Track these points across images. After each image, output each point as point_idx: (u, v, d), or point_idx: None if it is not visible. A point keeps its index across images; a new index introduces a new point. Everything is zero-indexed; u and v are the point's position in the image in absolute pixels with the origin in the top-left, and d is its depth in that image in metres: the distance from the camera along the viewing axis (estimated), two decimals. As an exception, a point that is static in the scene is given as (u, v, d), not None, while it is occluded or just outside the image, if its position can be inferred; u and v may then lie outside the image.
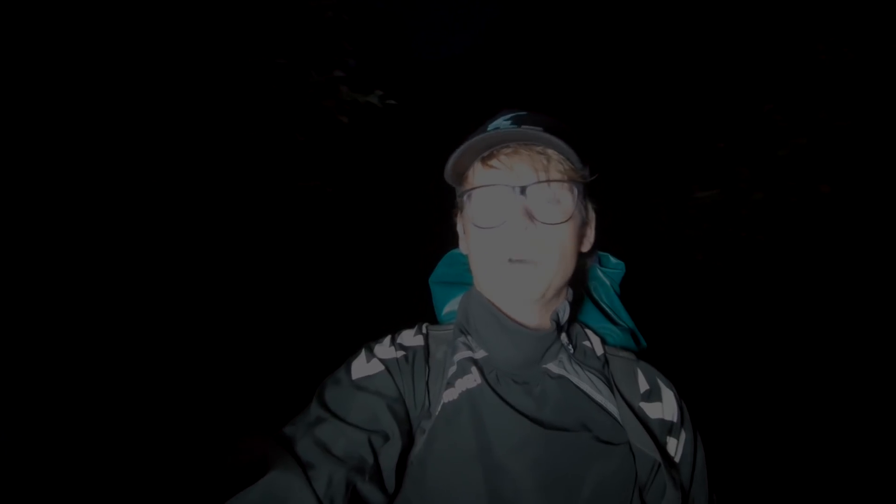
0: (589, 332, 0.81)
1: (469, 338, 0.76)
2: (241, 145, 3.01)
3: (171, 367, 2.91)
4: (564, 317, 0.74)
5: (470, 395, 0.70)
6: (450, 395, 0.70)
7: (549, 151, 0.70)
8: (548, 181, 0.69)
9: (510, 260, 0.69)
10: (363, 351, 0.76)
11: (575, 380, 0.73)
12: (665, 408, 0.76)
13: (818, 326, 4.38)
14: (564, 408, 0.70)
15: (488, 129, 0.72)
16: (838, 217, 4.57)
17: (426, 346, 0.77)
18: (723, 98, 5.13)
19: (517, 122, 0.71)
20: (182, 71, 2.81)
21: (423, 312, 0.92)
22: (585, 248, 0.75)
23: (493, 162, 0.71)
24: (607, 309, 0.87)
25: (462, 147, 0.70)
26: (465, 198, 0.74)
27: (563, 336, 0.75)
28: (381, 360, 0.73)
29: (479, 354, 0.74)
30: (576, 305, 0.81)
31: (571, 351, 0.76)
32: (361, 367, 0.73)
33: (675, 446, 0.74)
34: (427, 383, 0.72)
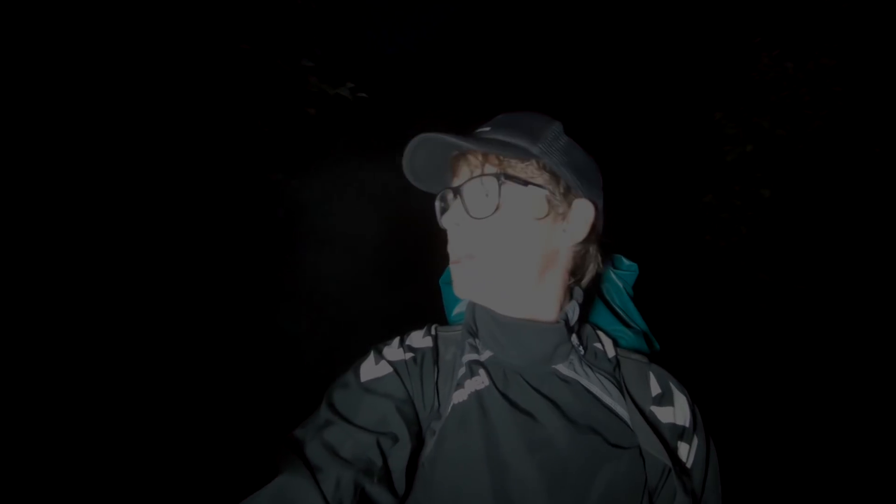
0: (601, 333, 0.82)
1: (476, 339, 0.76)
2: (200, 134, 2.83)
3: (173, 368, 2.78)
4: (574, 317, 0.75)
5: (479, 396, 0.69)
6: (459, 397, 0.70)
7: (482, 153, 0.72)
8: (481, 175, 0.71)
9: (452, 261, 0.73)
10: (371, 353, 0.75)
11: (585, 382, 0.73)
12: (677, 412, 0.76)
13: (763, 321, 4.69)
14: (573, 410, 0.70)
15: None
16: (776, 220, 4.92)
17: (435, 348, 0.76)
18: (677, 105, 5.39)
19: (490, 125, 0.76)
20: (132, 53, 2.60)
21: (432, 314, 0.90)
22: (564, 242, 0.74)
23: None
24: (620, 311, 0.88)
25: (405, 166, 0.75)
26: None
27: (574, 337, 0.75)
28: (390, 362, 0.72)
29: (486, 356, 0.74)
30: (586, 307, 0.81)
31: (582, 353, 0.76)
32: (370, 369, 0.72)
33: (686, 451, 0.75)
34: (436, 384, 0.72)
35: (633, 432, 0.70)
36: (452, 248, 0.74)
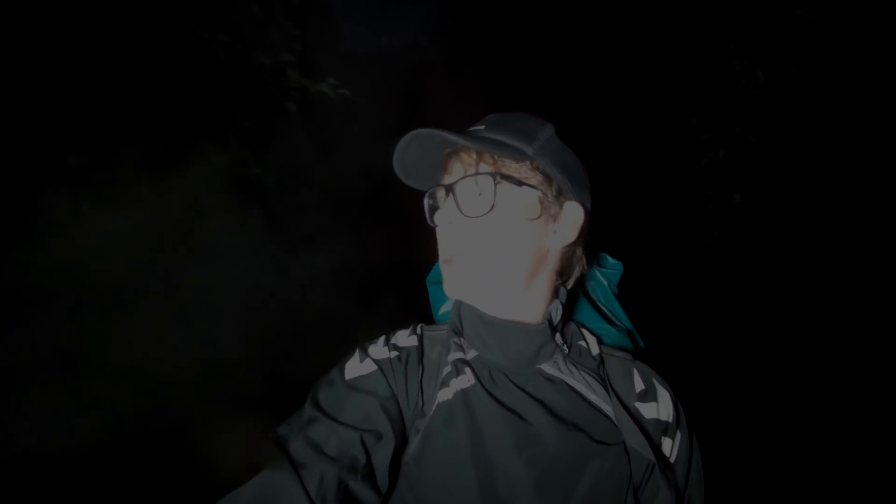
0: (585, 331, 0.83)
1: (461, 338, 0.76)
2: (177, 126, 2.75)
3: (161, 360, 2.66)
4: (557, 317, 0.75)
5: (464, 394, 0.70)
6: (444, 395, 0.70)
7: (478, 151, 0.72)
8: (475, 174, 0.70)
9: (442, 260, 0.73)
10: (357, 351, 0.75)
11: (570, 380, 0.74)
12: (660, 408, 0.78)
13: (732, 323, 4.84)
14: (559, 408, 0.71)
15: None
16: (746, 224, 5.08)
17: (420, 347, 0.77)
18: (654, 110, 5.51)
19: (484, 124, 0.75)
20: (100, 39, 2.50)
21: (422, 313, 0.89)
22: (554, 244, 0.75)
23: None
24: (605, 309, 0.89)
25: (395, 154, 0.74)
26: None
27: (558, 336, 0.75)
28: (375, 361, 0.72)
29: (471, 355, 0.74)
30: (570, 305, 0.82)
31: (566, 351, 0.76)
32: (355, 367, 0.72)
33: (670, 446, 0.76)
34: (420, 383, 0.72)
35: (617, 429, 0.71)
36: (444, 247, 0.74)
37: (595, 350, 0.79)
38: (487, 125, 0.75)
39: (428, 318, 0.90)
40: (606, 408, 0.73)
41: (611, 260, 0.90)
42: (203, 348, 2.81)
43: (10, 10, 2.21)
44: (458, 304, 0.78)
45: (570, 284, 0.81)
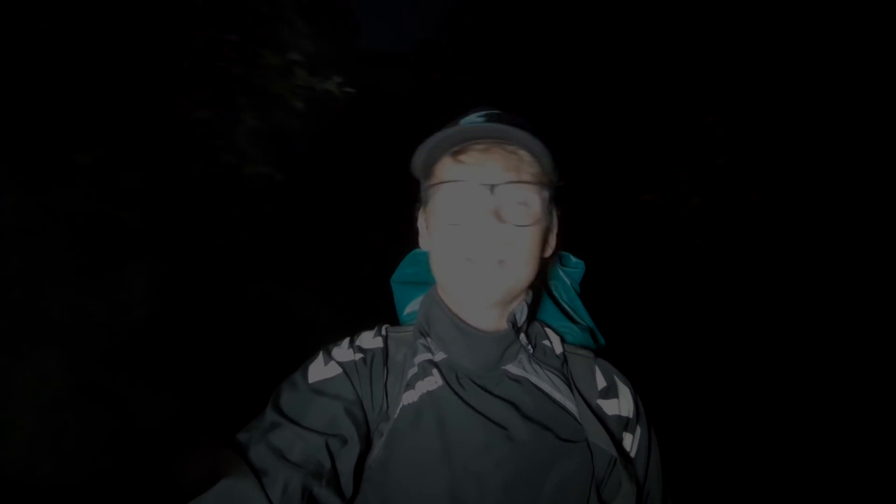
0: (549, 331, 0.82)
1: (429, 339, 0.75)
2: (186, 125, 2.81)
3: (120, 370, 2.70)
4: (522, 318, 0.75)
5: (431, 396, 0.69)
6: (409, 398, 0.70)
7: (521, 152, 0.69)
8: (519, 182, 0.68)
9: (469, 259, 0.68)
10: (321, 354, 0.74)
11: (534, 379, 0.74)
12: (622, 404, 0.78)
13: (747, 323, 4.73)
14: (525, 408, 0.71)
15: (460, 123, 0.70)
16: (765, 224, 4.95)
17: (385, 349, 0.76)
18: (669, 107, 5.41)
19: (490, 119, 0.70)
20: (112, 41, 2.58)
21: (386, 313, 0.90)
22: (548, 253, 0.75)
23: (464, 157, 0.69)
24: (567, 307, 0.89)
25: (435, 138, 0.69)
26: (431, 192, 0.72)
27: (522, 337, 0.75)
28: (339, 363, 0.72)
29: (439, 357, 0.74)
30: (535, 305, 0.82)
31: (531, 351, 0.76)
32: (319, 370, 0.71)
33: (630, 441, 0.77)
34: (385, 386, 0.71)
35: (581, 426, 0.71)
36: (483, 248, 0.67)
37: (559, 349, 0.79)
38: (517, 125, 0.68)
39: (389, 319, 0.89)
40: (571, 406, 0.73)
41: (573, 259, 0.89)
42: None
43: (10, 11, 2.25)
44: (426, 305, 0.78)
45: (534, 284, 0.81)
